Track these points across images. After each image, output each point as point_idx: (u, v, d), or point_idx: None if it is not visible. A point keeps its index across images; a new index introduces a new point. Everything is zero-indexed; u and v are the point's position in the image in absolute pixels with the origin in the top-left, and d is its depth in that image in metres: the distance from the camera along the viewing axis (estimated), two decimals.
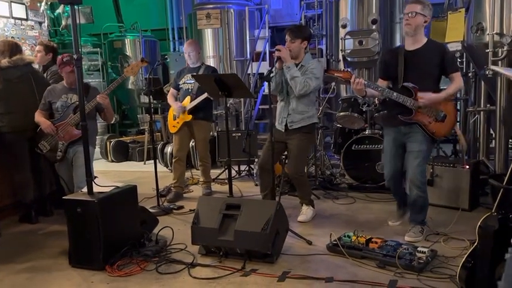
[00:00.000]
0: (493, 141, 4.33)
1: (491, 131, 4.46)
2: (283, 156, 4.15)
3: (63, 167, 3.78)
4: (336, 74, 3.19)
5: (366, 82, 3.08)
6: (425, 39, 3.15)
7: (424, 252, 2.72)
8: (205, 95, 4.33)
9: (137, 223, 3.20)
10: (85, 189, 2.97)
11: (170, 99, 4.66)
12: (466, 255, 2.21)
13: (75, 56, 2.80)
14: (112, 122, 6.02)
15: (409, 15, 3.07)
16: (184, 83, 4.58)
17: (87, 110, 3.34)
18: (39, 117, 3.71)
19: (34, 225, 3.88)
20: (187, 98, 4.51)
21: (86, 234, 2.85)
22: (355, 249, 2.93)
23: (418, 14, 3.05)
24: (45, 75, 4.22)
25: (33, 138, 3.78)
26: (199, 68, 4.56)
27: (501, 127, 3.97)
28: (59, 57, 3.69)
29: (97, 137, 6.58)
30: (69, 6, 2.88)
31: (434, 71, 3.11)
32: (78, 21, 2.81)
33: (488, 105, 4.20)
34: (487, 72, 3.81)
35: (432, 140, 3.19)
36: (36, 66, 4.25)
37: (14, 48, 3.88)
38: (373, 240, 2.97)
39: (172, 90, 4.71)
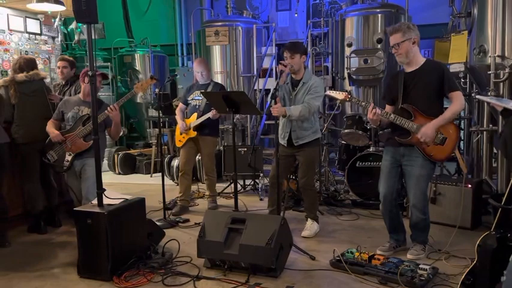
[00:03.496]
0: (496, 160, 4.37)
1: (495, 150, 4.50)
2: (289, 174, 4.22)
3: (72, 178, 3.88)
4: (332, 95, 3.28)
5: (381, 112, 3.07)
6: (422, 60, 3.12)
7: (426, 270, 2.77)
8: (208, 114, 4.44)
9: (144, 235, 3.27)
10: (95, 201, 3.05)
11: (178, 114, 4.78)
12: (465, 273, 2.26)
13: (90, 73, 2.91)
14: (119, 136, 6.11)
15: (395, 47, 3.08)
16: (192, 99, 4.70)
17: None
18: (49, 127, 3.83)
19: (43, 236, 3.96)
20: (194, 115, 4.62)
21: (95, 245, 2.93)
22: (357, 265, 2.97)
23: (402, 42, 3.04)
24: (73, 89, 4.34)
25: (43, 149, 3.89)
26: (209, 85, 4.68)
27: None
28: (85, 68, 3.80)
29: (105, 150, 6.72)
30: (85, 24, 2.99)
31: (433, 90, 3.05)
32: (94, 38, 2.93)
33: (490, 125, 4.25)
34: (489, 94, 3.88)
35: (433, 162, 3.14)
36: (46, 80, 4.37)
37: (33, 63, 4.06)
38: (375, 256, 3.02)
39: (181, 105, 4.83)
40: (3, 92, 3.87)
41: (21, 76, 3.91)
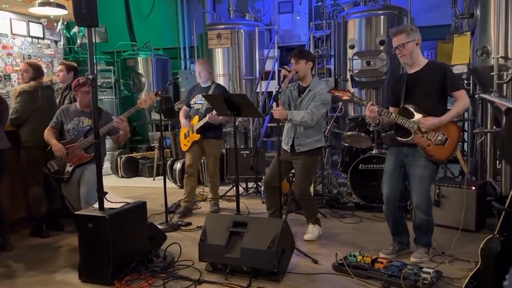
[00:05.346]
0: (500, 162, 4.34)
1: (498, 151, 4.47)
2: (291, 175, 4.20)
3: (68, 188, 3.82)
4: (336, 94, 3.27)
5: (379, 109, 3.08)
6: (425, 61, 3.13)
7: (429, 273, 2.74)
8: (206, 118, 4.44)
9: (146, 239, 3.26)
10: (96, 205, 3.05)
11: (181, 116, 4.79)
12: (469, 277, 2.23)
13: (90, 77, 2.91)
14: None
15: (399, 48, 3.08)
16: (195, 103, 4.70)
17: (101, 133, 3.46)
18: (50, 137, 3.77)
19: (45, 239, 3.95)
20: (196, 118, 4.62)
21: (96, 249, 2.92)
22: (360, 269, 2.95)
23: (407, 43, 3.05)
24: (72, 94, 4.36)
25: (46, 156, 3.87)
26: (210, 88, 4.64)
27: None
28: (75, 80, 3.82)
29: (108, 153, 6.75)
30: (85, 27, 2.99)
31: (436, 90, 3.06)
32: (94, 41, 2.92)
33: (494, 127, 4.23)
34: (492, 95, 3.85)
35: (436, 163, 3.13)
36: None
37: (41, 70, 4.09)
38: (378, 260, 2.99)
39: (184, 108, 4.84)
40: (25, 98, 3.88)
41: (46, 81, 3.99)
